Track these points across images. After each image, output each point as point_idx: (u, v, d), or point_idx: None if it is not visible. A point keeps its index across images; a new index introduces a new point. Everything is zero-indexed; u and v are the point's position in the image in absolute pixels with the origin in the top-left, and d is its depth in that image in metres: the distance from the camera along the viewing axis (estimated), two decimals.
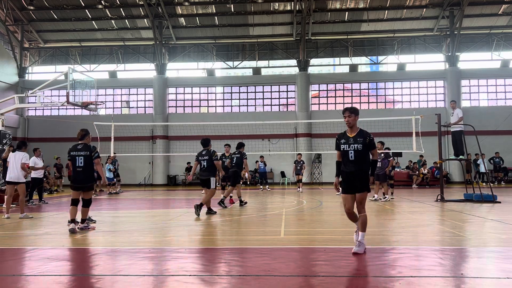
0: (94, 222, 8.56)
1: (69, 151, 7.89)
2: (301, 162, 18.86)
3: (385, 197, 13.50)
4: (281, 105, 28.44)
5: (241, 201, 12.34)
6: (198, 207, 9.71)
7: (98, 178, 8.80)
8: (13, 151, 10.89)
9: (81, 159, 7.74)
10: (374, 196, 13.45)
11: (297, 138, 26.27)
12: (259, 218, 9.59)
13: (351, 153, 5.47)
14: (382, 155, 13.74)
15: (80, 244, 6.67)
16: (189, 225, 8.48)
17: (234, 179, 12.34)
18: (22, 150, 10.63)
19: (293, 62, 28.38)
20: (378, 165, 13.90)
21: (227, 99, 28.69)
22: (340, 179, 5.65)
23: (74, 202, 7.76)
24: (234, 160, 12.40)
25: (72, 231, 7.41)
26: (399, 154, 21.49)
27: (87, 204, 7.90)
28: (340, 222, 8.92)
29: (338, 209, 11.71)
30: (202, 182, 10.62)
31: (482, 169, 21.59)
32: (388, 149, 14.71)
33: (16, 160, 10.31)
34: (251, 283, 4.13)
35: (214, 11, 26.82)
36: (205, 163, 10.36)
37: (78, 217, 7.90)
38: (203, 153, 10.49)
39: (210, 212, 10.19)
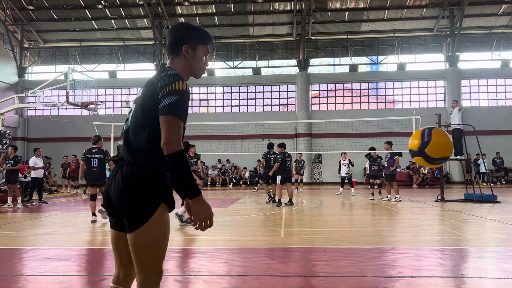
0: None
1: (85, 153, 9.41)
2: (302, 161, 18.77)
3: (396, 197, 13.22)
4: (281, 105, 28.44)
5: (279, 201, 12.12)
6: (273, 200, 12.63)
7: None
8: None
9: (95, 161, 9.24)
10: (387, 196, 13.39)
11: (297, 138, 26.27)
12: (259, 218, 9.58)
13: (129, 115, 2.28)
14: (389, 154, 13.72)
15: (80, 244, 6.67)
16: (188, 225, 8.47)
17: (274, 178, 12.54)
18: None
19: (293, 62, 28.37)
20: (384, 165, 13.84)
21: (227, 99, 28.69)
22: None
23: (93, 198, 9.10)
24: (272, 160, 12.87)
25: (93, 222, 8.77)
26: (400, 154, 21.44)
27: (92, 198, 9.16)
28: (340, 222, 8.92)
29: (338, 209, 11.72)
30: (271, 178, 12.79)
31: (482, 169, 21.60)
32: (374, 148, 14.63)
33: None
34: (251, 283, 4.13)
35: (214, 11, 26.82)
36: (271, 163, 12.75)
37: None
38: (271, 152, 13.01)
39: (291, 203, 12.12)
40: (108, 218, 2.24)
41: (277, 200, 12.15)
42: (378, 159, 14.23)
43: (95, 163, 9.23)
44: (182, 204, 8.50)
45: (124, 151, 2.19)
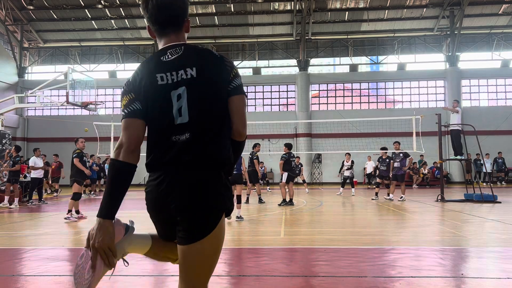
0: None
1: None
2: (299, 165, 18.46)
3: (402, 196, 13.35)
4: (281, 105, 28.44)
5: (260, 199, 13.24)
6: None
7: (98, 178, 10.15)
8: None
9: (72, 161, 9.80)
10: (388, 195, 13.46)
11: (297, 138, 26.27)
12: (259, 218, 9.58)
13: (180, 103, 1.84)
14: (401, 154, 13.73)
15: (80, 244, 6.66)
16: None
17: (253, 177, 13.40)
18: None
19: (293, 62, 28.37)
20: (396, 165, 13.81)
21: None
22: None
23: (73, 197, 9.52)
24: (248, 160, 13.38)
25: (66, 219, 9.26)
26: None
27: (72, 197, 9.41)
28: (340, 222, 8.91)
29: (338, 209, 11.71)
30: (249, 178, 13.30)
31: (485, 169, 21.58)
32: (385, 148, 14.67)
33: None
34: (251, 283, 4.12)
35: (214, 11, 26.82)
36: (248, 162, 13.15)
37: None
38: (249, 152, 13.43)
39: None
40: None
41: (287, 200, 12.30)
42: (387, 160, 14.20)
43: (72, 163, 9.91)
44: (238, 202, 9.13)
45: (202, 142, 1.80)
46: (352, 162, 16.70)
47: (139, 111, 1.85)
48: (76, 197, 9.33)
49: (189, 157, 1.79)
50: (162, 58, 1.89)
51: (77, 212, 9.38)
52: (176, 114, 1.83)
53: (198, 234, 1.78)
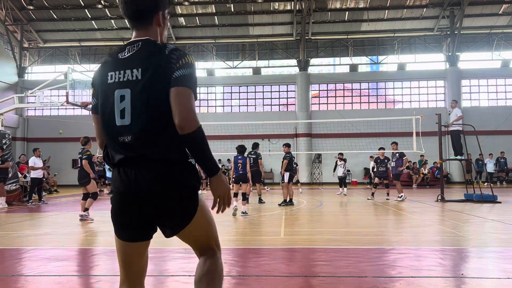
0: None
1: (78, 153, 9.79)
2: (295, 164, 18.28)
3: (401, 195, 13.34)
4: (281, 105, 28.44)
5: (260, 199, 13.20)
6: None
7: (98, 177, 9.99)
8: None
9: (79, 161, 9.52)
10: (399, 196, 13.41)
11: (297, 138, 26.27)
12: (259, 218, 9.58)
13: (123, 105, 1.90)
14: (397, 154, 13.77)
15: (80, 244, 6.67)
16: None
17: (256, 177, 13.23)
18: None
19: (293, 62, 28.36)
20: (392, 165, 13.87)
21: (227, 99, 28.68)
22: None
23: (84, 197, 9.33)
24: (252, 160, 13.06)
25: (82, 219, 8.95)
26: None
27: (83, 197, 9.30)
28: (340, 222, 8.91)
29: (338, 209, 11.71)
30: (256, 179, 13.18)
31: (489, 169, 21.60)
32: (383, 149, 14.65)
33: None
34: (251, 283, 4.12)
35: (214, 10, 26.81)
36: (252, 162, 12.83)
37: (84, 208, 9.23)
38: (252, 153, 13.12)
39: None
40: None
41: (287, 200, 12.26)
42: (386, 160, 14.21)
43: (79, 163, 9.53)
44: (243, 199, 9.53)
45: (144, 145, 1.85)
46: (345, 160, 16.72)
47: (95, 106, 2.03)
48: (95, 196, 9.25)
49: (137, 159, 1.87)
50: (119, 55, 1.95)
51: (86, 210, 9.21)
52: (117, 115, 1.89)
53: (185, 221, 1.98)
